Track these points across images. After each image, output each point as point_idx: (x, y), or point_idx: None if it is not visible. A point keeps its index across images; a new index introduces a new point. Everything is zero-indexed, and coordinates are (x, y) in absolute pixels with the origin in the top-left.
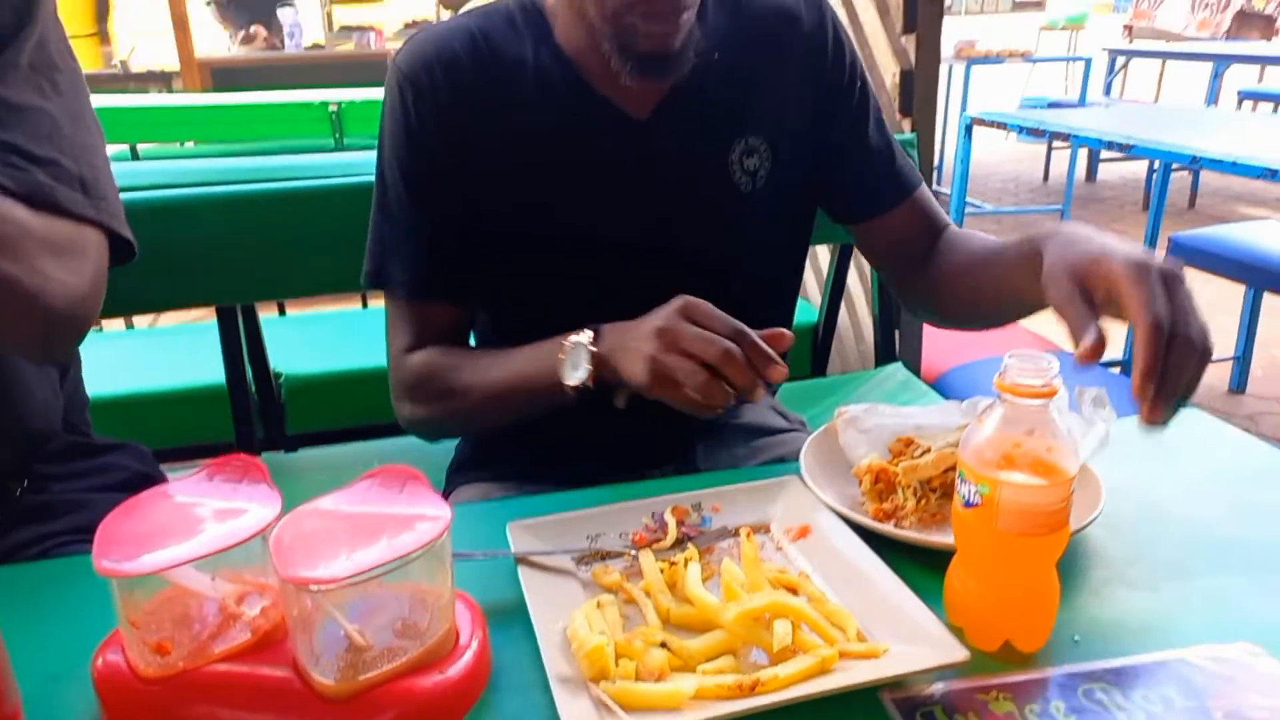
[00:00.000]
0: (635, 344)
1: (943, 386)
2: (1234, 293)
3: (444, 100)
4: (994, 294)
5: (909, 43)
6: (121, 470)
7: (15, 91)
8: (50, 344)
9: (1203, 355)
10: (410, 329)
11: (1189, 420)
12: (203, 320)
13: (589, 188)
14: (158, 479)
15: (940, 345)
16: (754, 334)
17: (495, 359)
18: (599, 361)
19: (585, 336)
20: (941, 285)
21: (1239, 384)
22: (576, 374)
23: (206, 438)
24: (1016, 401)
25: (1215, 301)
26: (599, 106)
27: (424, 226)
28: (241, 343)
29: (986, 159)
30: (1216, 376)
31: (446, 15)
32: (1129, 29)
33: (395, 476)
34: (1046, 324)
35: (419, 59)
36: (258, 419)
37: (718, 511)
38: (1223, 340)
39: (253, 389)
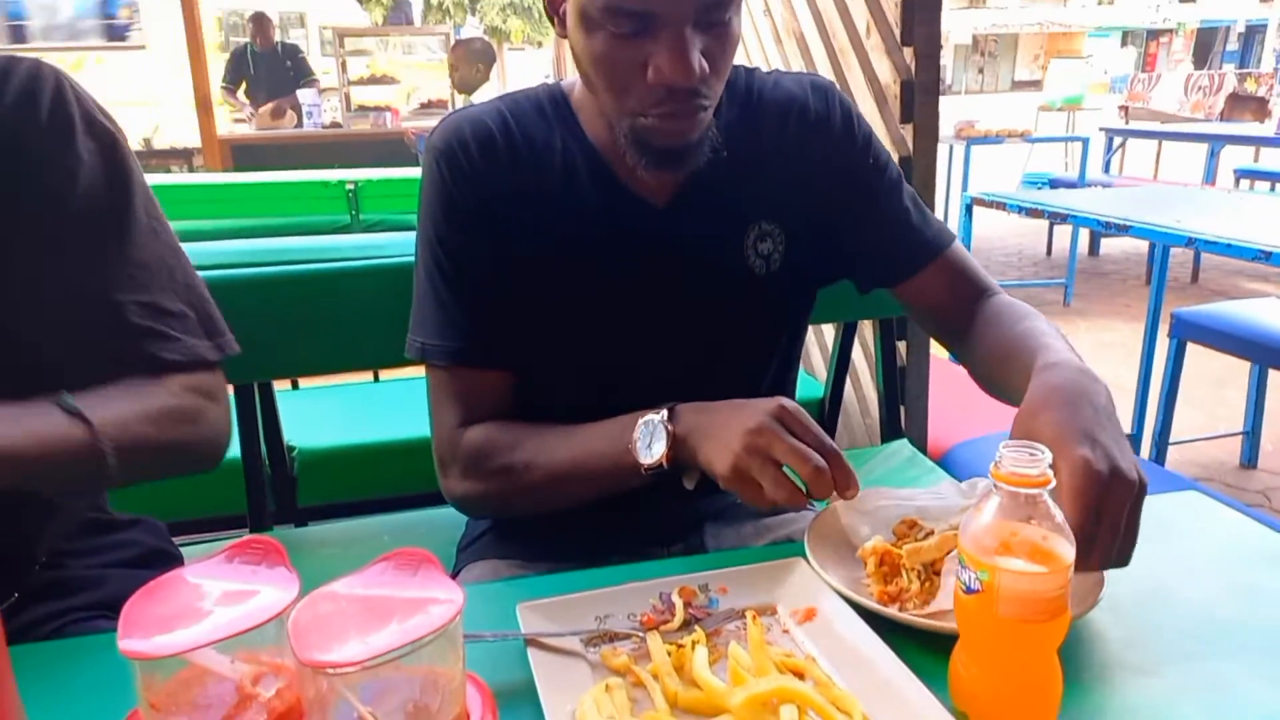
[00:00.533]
0: (723, 435)
1: (948, 463)
2: (1241, 366)
3: (479, 173)
4: (1002, 394)
5: (907, 131)
6: (137, 546)
7: (142, 248)
8: (215, 464)
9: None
10: (460, 402)
11: (1187, 501)
12: None
13: (611, 268)
14: (172, 554)
15: (946, 421)
16: (842, 454)
17: (560, 435)
18: (676, 441)
19: (661, 415)
20: (973, 363)
21: (1250, 459)
22: (652, 452)
23: (219, 510)
24: (1011, 490)
25: (1222, 376)
26: (621, 194)
27: (466, 293)
28: (257, 419)
29: (989, 233)
30: (1227, 452)
31: (461, 99)
32: (1125, 109)
33: (409, 559)
34: None
35: (454, 135)
36: (270, 492)
37: (725, 593)
38: (1231, 415)
39: (266, 463)
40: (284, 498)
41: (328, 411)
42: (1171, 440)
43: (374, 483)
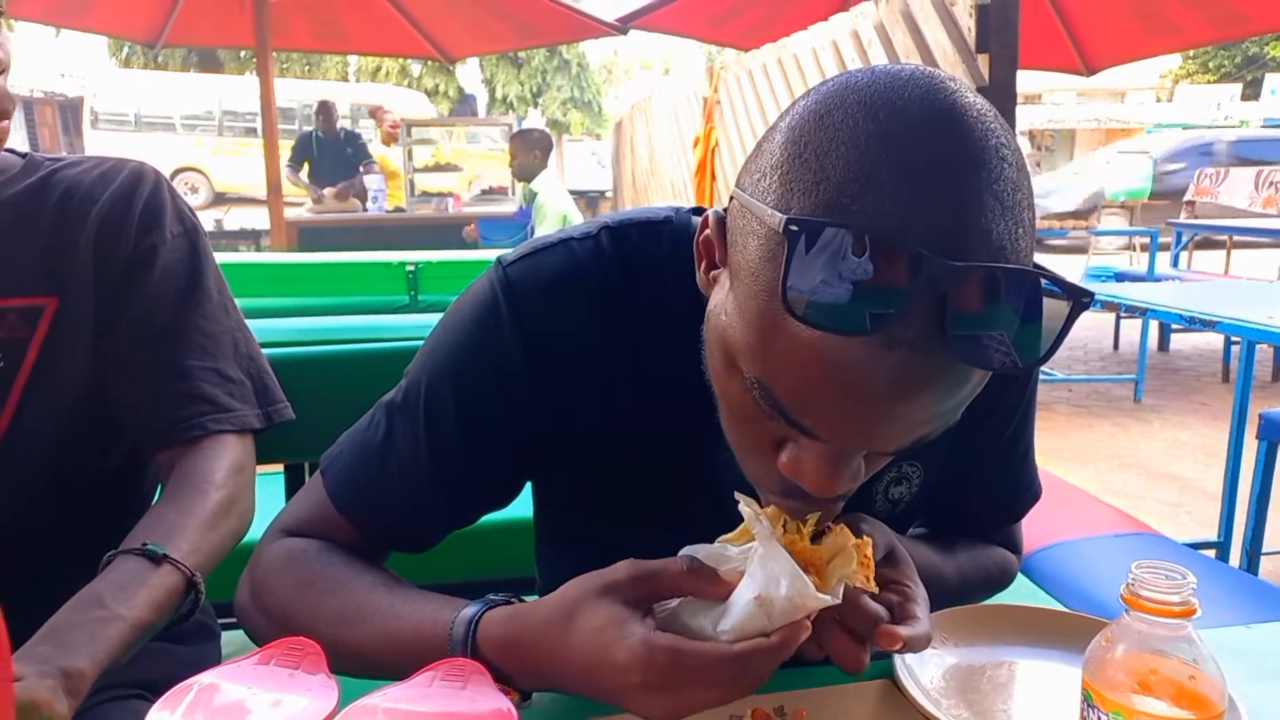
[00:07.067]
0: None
1: (1028, 569)
2: None
3: (561, 338)
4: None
5: None
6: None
7: (213, 321)
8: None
9: None
10: (313, 526)
11: None
12: (266, 471)
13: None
14: (211, 628)
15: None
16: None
17: (379, 610)
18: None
19: (473, 611)
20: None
21: None
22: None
23: None
24: (1148, 619)
25: None
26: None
27: (438, 471)
28: None
29: None
30: None
31: (520, 187)
32: (1190, 205)
33: (458, 670)
34: (1134, 502)
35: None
36: None
37: (803, 718)
38: None
39: None
40: None
41: None
42: (1264, 550)
43: (425, 567)
